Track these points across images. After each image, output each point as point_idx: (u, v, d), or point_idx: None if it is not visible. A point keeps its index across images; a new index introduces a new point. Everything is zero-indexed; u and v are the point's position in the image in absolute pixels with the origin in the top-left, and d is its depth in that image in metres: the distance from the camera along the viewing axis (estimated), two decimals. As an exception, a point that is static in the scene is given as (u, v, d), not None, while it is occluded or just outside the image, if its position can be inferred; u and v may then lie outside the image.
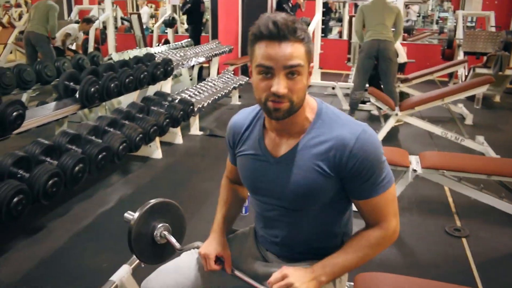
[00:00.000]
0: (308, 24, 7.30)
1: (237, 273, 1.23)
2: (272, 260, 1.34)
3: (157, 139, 3.95)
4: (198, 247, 1.32)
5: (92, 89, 3.06)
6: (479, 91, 4.32)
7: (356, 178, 1.15)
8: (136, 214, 1.32)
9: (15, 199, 2.29)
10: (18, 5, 12.49)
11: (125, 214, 1.36)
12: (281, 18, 1.06)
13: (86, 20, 6.80)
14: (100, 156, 2.92)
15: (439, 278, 2.31)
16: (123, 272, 1.63)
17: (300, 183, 1.17)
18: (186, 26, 9.77)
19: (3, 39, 8.09)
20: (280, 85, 1.06)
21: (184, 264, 1.36)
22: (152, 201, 1.36)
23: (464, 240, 2.73)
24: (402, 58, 5.65)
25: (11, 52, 8.26)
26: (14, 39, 7.90)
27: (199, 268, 1.34)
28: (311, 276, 1.14)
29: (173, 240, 1.34)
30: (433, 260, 2.52)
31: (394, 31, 4.94)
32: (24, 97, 5.41)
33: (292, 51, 1.06)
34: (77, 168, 2.71)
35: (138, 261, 1.76)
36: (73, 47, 7.36)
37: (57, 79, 3.63)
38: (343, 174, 1.14)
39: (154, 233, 1.35)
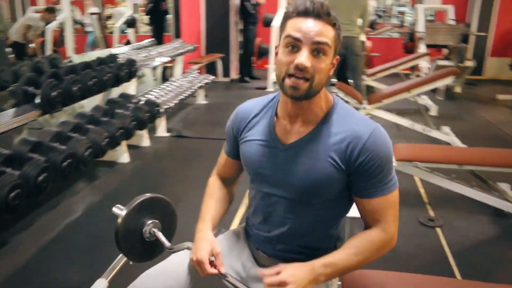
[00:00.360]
0: (272, 20, 7.28)
1: (229, 277, 1.17)
2: (263, 260, 1.29)
3: (124, 142, 3.81)
4: (188, 248, 1.25)
5: (54, 94, 2.91)
6: (445, 82, 4.40)
7: (364, 174, 1.13)
8: (125, 210, 1.26)
9: (-26, 214, 2.14)
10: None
11: (114, 208, 1.30)
12: (318, 0, 1.09)
13: (49, 10, 6.45)
14: (65, 163, 2.77)
15: (417, 269, 2.34)
16: (99, 287, 1.54)
17: (309, 172, 1.15)
18: (147, 27, 9.56)
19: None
20: (304, 57, 1.06)
21: (173, 266, 1.29)
22: (142, 197, 1.30)
23: (438, 230, 2.76)
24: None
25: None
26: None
27: (188, 270, 1.28)
28: (310, 277, 1.10)
29: (162, 238, 1.29)
30: (410, 252, 2.53)
31: (362, 22, 4.95)
32: (-21, 104, 5.15)
33: (323, 29, 1.07)
34: (40, 177, 2.56)
35: (113, 273, 1.67)
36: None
37: (14, 84, 3.44)
38: (353, 168, 1.13)
39: (143, 230, 1.29)
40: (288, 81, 1.09)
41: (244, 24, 7.57)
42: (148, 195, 1.33)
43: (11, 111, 2.82)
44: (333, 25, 1.09)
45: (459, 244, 2.60)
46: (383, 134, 1.15)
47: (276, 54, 1.15)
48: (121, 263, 1.67)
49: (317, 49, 1.07)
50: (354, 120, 1.16)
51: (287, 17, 1.12)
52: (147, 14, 7.59)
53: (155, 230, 1.30)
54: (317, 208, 1.20)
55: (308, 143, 1.16)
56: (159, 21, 7.52)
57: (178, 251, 1.29)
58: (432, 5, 8.39)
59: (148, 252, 1.35)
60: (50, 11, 6.47)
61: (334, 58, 1.13)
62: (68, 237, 2.70)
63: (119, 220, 1.26)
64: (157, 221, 1.32)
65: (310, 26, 1.07)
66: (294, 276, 1.06)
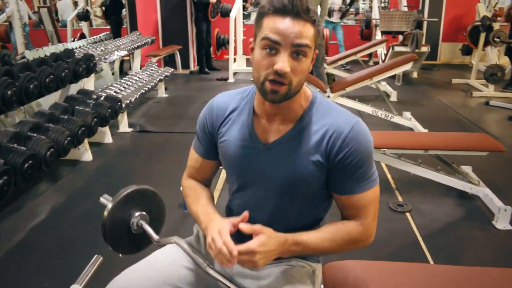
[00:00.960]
0: (230, 11, 7.21)
1: (211, 272, 1.14)
2: None
3: (86, 140, 3.68)
4: (175, 243, 1.22)
5: (9, 92, 2.76)
6: (405, 68, 4.51)
7: (344, 170, 1.11)
8: (111, 201, 1.22)
9: None
10: None
11: (101, 198, 1.25)
12: None
13: None
14: (26, 165, 2.64)
15: (391, 255, 2.40)
16: (74, 294, 1.46)
17: (291, 171, 1.12)
18: (100, 20, 9.29)
19: None
20: (284, 63, 1.01)
21: (157, 259, 1.26)
22: (129, 188, 1.26)
23: (408, 214, 2.83)
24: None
25: None
26: None
27: (173, 263, 1.24)
28: (279, 250, 1.08)
29: (150, 230, 1.25)
30: (383, 238, 2.57)
31: (320, 11, 4.99)
32: None
33: (303, 29, 1.02)
34: (0, 181, 2.43)
35: (87, 278, 1.60)
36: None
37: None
38: (333, 164, 1.11)
39: (131, 222, 1.24)
40: (268, 85, 1.05)
41: (195, 15, 7.43)
42: (134, 186, 1.29)
43: (-37, 112, 2.66)
44: (313, 22, 1.04)
45: (429, 228, 2.67)
46: (363, 129, 1.12)
47: (252, 50, 1.10)
48: (96, 266, 1.60)
49: (297, 52, 1.02)
50: (334, 115, 1.13)
51: (263, 13, 1.05)
52: (102, 7, 7.31)
53: (143, 222, 1.27)
54: (300, 206, 1.18)
55: (289, 141, 1.13)
56: (116, 13, 7.27)
57: (166, 244, 1.25)
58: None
59: (135, 245, 1.31)
60: None
61: (314, 54, 1.09)
62: (34, 241, 2.58)
63: (106, 212, 1.22)
64: (144, 213, 1.28)
65: (289, 27, 1.01)
66: (264, 246, 1.04)
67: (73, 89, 4.10)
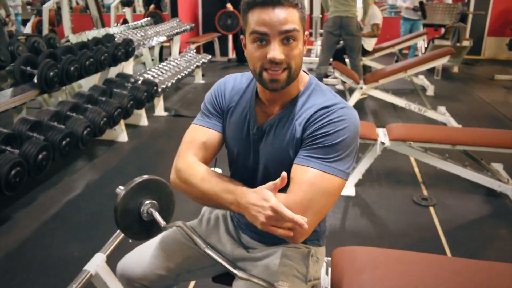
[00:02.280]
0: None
1: (210, 252, 1.21)
2: (247, 243, 1.32)
3: (122, 122, 3.84)
4: (179, 226, 1.30)
5: (51, 73, 2.92)
6: (440, 62, 4.41)
7: (308, 140, 1.09)
8: (124, 189, 1.31)
9: (-24, 192, 2.19)
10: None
11: (117, 189, 1.35)
12: None
13: None
14: (64, 142, 2.81)
15: (409, 247, 2.41)
16: (97, 261, 1.58)
17: (276, 153, 1.15)
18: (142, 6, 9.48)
19: None
20: (276, 51, 1.03)
21: (163, 240, 1.37)
22: (140, 178, 1.35)
23: (431, 208, 2.82)
24: (369, 47, 5.65)
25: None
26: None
27: (176, 244, 1.35)
28: None
29: (158, 217, 1.34)
30: (402, 230, 2.59)
31: (362, 1, 4.95)
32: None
33: (287, 15, 1.03)
34: (40, 156, 2.60)
35: (111, 248, 1.73)
36: (28, 30, 7.02)
37: (12, 64, 3.45)
38: (306, 135, 1.10)
39: (141, 210, 1.34)
40: (266, 75, 1.07)
41: (235, 4, 7.43)
42: (146, 176, 1.37)
43: (9, 91, 2.85)
44: (295, 5, 1.05)
45: (451, 223, 2.66)
46: (351, 116, 1.09)
47: (244, 46, 1.12)
48: (119, 239, 1.72)
49: (287, 37, 1.04)
50: (324, 97, 1.14)
51: (246, 9, 1.07)
52: None
53: (153, 210, 1.35)
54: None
55: (277, 124, 1.15)
56: (156, 1, 7.42)
57: (171, 228, 1.34)
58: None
59: (145, 231, 1.40)
60: None
61: (304, 36, 1.10)
62: (68, 213, 2.76)
63: (118, 199, 1.31)
64: (154, 201, 1.36)
65: (273, 17, 1.03)
66: None
67: (113, 72, 4.28)
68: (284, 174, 0.97)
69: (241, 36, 1.15)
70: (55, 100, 4.09)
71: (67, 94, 4.11)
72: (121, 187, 1.35)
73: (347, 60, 5.42)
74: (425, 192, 3.03)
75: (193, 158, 1.21)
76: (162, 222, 1.34)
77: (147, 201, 1.35)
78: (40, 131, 2.83)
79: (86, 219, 2.69)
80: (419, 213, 2.78)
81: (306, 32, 1.11)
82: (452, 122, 4.25)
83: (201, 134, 1.24)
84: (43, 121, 2.89)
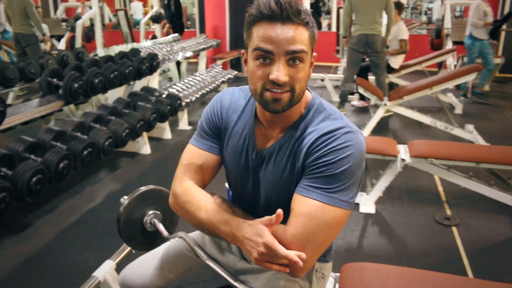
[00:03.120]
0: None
1: (211, 264, 1.20)
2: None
3: (145, 134, 3.90)
4: (181, 237, 1.29)
5: (76, 85, 3.01)
6: (467, 79, 4.31)
7: (309, 168, 1.02)
8: (127, 198, 1.32)
9: (-2, 197, 2.25)
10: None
11: (121, 199, 1.35)
12: None
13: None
14: (85, 152, 2.87)
15: (428, 267, 2.30)
16: (106, 268, 1.60)
17: (276, 181, 1.09)
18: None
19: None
20: (280, 72, 0.95)
21: (164, 251, 1.35)
22: (143, 188, 1.35)
23: (454, 228, 2.72)
24: (396, 65, 5.55)
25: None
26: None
27: (177, 255, 1.32)
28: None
29: (161, 227, 1.34)
30: (422, 250, 2.51)
31: (387, 18, 4.86)
32: (11, 95, 5.36)
33: (296, 34, 0.95)
34: (61, 164, 2.66)
35: (121, 256, 1.74)
36: (62, 46, 7.27)
37: (41, 76, 3.57)
38: (307, 163, 1.03)
39: (144, 220, 1.34)
40: (268, 94, 0.99)
41: None
42: (150, 186, 1.38)
43: (35, 101, 2.94)
44: (306, 24, 0.97)
45: (475, 244, 2.56)
46: (356, 141, 1.01)
47: (245, 61, 1.04)
48: (128, 248, 1.74)
49: (293, 58, 0.96)
50: (328, 120, 1.05)
51: (251, 22, 0.99)
52: (164, 9, 7.55)
53: (156, 220, 1.34)
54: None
55: (278, 151, 1.08)
56: (176, 15, 7.49)
57: (173, 238, 1.33)
58: (459, 1, 8.20)
59: (148, 241, 1.40)
60: None
61: (312, 58, 1.03)
62: (87, 222, 2.80)
63: (121, 208, 1.31)
64: (158, 212, 1.36)
65: (280, 34, 0.94)
66: None
67: (138, 85, 4.37)
68: (279, 211, 0.93)
69: (242, 51, 1.07)
70: (82, 112, 4.20)
71: (93, 106, 4.21)
72: (125, 197, 1.35)
73: (371, 78, 5.38)
74: (448, 212, 2.94)
75: (189, 183, 1.15)
76: (164, 233, 1.33)
77: (151, 211, 1.35)
78: (64, 141, 2.90)
79: (104, 228, 2.72)
80: (441, 233, 2.69)
81: (315, 54, 1.04)
82: (480, 141, 4.12)
83: (197, 157, 1.18)
84: (67, 131, 2.96)
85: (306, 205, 0.99)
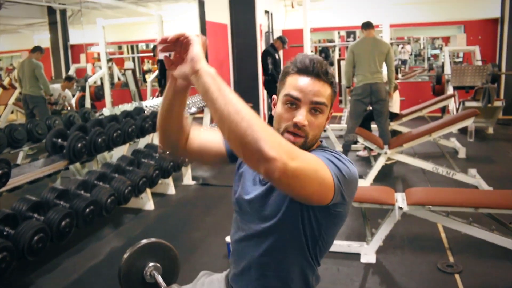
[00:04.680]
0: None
1: None
2: None
3: (148, 190, 3.96)
4: None
5: (79, 145, 3.11)
6: (466, 124, 4.35)
7: None
8: (128, 251, 1.38)
9: (-2, 257, 2.29)
10: (20, 67, 12.89)
11: (124, 255, 1.40)
12: (317, 58, 1.16)
13: (67, 79, 7.00)
14: (87, 210, 2.93)
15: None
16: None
17: (273, 209, 1.17)
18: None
19: (4, 100, 8.29)
20: (302, 116, 1.12)
21: None
22: (144, 241, 1.40)
23: (457, 276, 2.69)
24: (396, 109, 5.69)
25: (12, 112, 8.46)
26: (15, 100, 8.11)
27: None
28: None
29: (159, 279, 1.38)
30: (425, 299, 2.48)
31: (387, 70, 4.98)
32: (21, 155, 5.51)
33: (321, 89, 1.14)
34: (63, 223, 2.72)
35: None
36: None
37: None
38: None
39: (144, 272, 1.38)
40: (286, 136, 1.14)
41: (267, 81, 7.59)
42: (152, 239, 1.43)
43: (40, 161, 3.04)
44: (330, 83, 1.16)
45: (478, 292, 2.52)
46: (354, 168, 1.14)
47: (274, 105, 1.21)
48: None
49: (315, 108, 1.14)
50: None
51: (287, 72, 1.18)
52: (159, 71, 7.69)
53: (155, 272, 1.39)
54: (278, 249, 1.19)
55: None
56: (161, 76, 7.62)
57: None
58: (456, 47, 8.40)
59: None
60: (69, 80, 6.97)
61: (329, 113, 1.19)
62: (88, 280, 2.82)
63: (122, 261, 1.36)
64: (158, 264, 1.41)
65: (308, 86, 1.13)
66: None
67: (142, 143, 4.48)
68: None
69: (274, 96, 1.24)
70: (87, 170, 4.30)
71: (99, 164, 4.31)
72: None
73: (373, 126, 5.45)
74: (451, 259, 2.90)
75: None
76: (162, 285, 1.38)
77: (151, 264, 1.40)
78: (67, 199, 2.98)
79: (106, 285, 2.73)
80: (443, 281, 2.65)
81: (332, 110, 1.21)
82: (483, 185, 4.11)
83: (212, 134, 1.33)
84: (70, 190, 3.04)
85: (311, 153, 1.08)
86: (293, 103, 1.14)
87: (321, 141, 1.25)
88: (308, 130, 1.14)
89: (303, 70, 1.14)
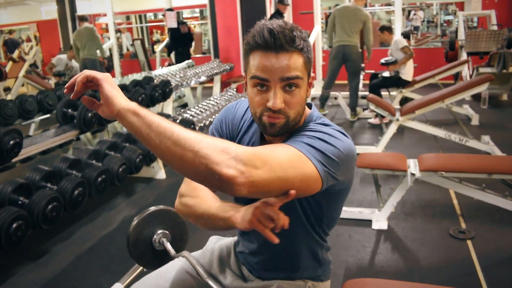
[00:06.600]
0: (308, 37, 7.34)
1: (210, 282, 1.23)
2: (247, 277, 1.32)
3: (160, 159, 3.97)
4: (184, 256, 1.33)
5: (90, 114, 3.11)
6: (479, 90, 4.26)
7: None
8: (137, 218, 1.37)
9: (14, 225, 2.33)
10: (28, 40, 12.89)
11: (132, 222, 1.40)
12: (278, 25, 0.98)
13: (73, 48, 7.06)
14: (99, 179, 2.95)
15: (442, 282, 2.29)
16: (116, 290, 1.64)
17: None
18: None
19: (14, 73, 8.31)
20: (276, 99, 0.99)
21: (167, 269, 1.38)
22: (153, 208, 1.41)
23: (469, 242, 2.68)
24: (409, 76, 5.77)
25: (23, 85, 8.49)
26: (25, 73, 8.11)
27: (180, 274, 1.36)
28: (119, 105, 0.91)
29: (168, 246, 1.38)
30: (436, 264, 2.48)
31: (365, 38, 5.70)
32: (32, 127, 5.55)
33: (290, 62, 0.98)
34: (76, 191, 2.75)
35: (130, 278, 1.78)
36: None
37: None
38: None
39: (153, 239, 1.39)
40: (265, 118, 1.03)
41: None
42: (160, 206, 1.43)
43: (52, 131, 3.05)
44: (300, 50, 1.00)
45: (490, 258, 2.50)
46: (348, 141, 1.02)
47: (245, 85, 1.08)
48: (139, 270, 1.78)
49: (289, 84, 1.00)
50: (323, 125, 1.07)
51: (247, 50, 1.03)
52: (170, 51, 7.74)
53: (164, 240, 1.39)
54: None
55: None
56: (183, 45, 7.68)
57: (177, 257, 1.37)
58: (471, 12, 8.17)
59: (158, 260, 1.44)
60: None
61: (309, 80, 1.06)
62: (102, 247, 2.86)
63: (130, 228, 1.37)
64: (166, 231, 1.41)
65: (275, 63, 0.98)
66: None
67: (152, 111, 4.47)
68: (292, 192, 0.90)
69: (243, 74, 1.11)
70: (98, 140, 4.32)
71: (109, 134, 4.32)
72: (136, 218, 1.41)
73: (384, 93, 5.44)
74: (463, 225, 2.89)
75: (197, 184, 1.11)
76: (171, 252, 1.38)
77: (160, 231, 1.40)
78: (79, 169, 3.00)
79: (119, 252, 2.77)
80: (455, 247, 2.65)
81: (312, 74, 1.07)
82: (497, 152, 4.06)
83: None
84: (82, 159, 3.06)
85: (283, 146, 0.96)
86: (262, 85, 1.00)
87: (310, 107, 1.15)
88: (287, 110, 1.01)
89: (264, 45, 0.97)
